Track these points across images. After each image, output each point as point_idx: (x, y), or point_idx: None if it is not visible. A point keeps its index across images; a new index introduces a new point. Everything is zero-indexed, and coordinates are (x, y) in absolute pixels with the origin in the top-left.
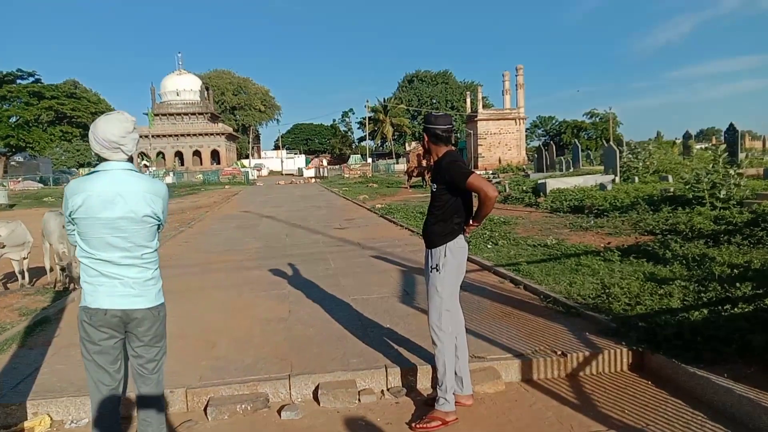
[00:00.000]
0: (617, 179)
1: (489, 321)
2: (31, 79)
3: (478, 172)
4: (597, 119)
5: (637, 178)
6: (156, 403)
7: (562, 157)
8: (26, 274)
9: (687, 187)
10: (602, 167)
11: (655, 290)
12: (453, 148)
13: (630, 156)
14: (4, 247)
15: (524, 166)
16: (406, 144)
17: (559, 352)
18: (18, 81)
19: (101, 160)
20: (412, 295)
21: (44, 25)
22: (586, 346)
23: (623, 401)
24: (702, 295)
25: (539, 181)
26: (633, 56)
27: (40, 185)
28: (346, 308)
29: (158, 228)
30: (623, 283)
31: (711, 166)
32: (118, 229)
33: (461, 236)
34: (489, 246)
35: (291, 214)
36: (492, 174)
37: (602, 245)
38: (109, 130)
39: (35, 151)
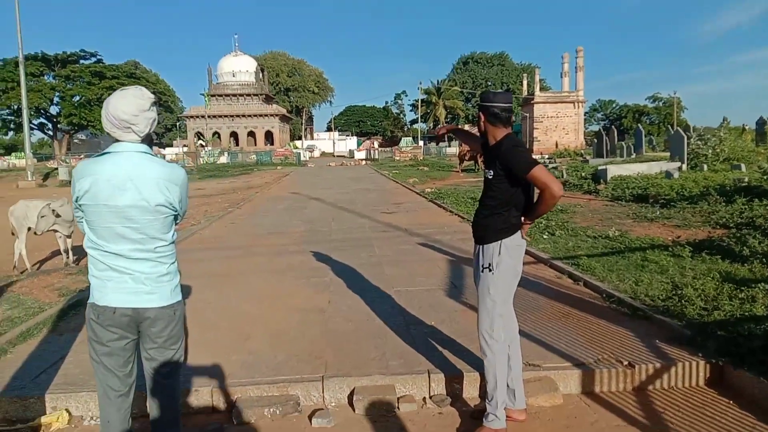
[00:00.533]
0: (684, 167)
1: (545, 322)
2: (94, 59)
3: (534, 157)
4: (660, 104)
5: (706, 166)
6: (169, 413)
7: (623, 143)
8: (71, 253)
9: (765, 177)
10: (667, 154)
11: (734, 293)
12: (512, 131)
13: (698, 142)
14: (59, 217)
15: (582, 151)
16: (460, 127)
17: (626, 363)
18: (81, 61)
19: (114, 140)
20: (460, 288)
21: (107, 7)
22: (657, 356)
23: (700, 423)
24: None
25: (599, 168)
26: (698, 39)
27: None
28: (389, 301)
29: (175, 219)
30: (697, 283)
31: None
32: (128, 219)
33: (519, 232)
34: (545, 236)
35: (339, 197)
36: (548, 159)
37: (670, 239)
38: (121, 107)
39: (96, 129)
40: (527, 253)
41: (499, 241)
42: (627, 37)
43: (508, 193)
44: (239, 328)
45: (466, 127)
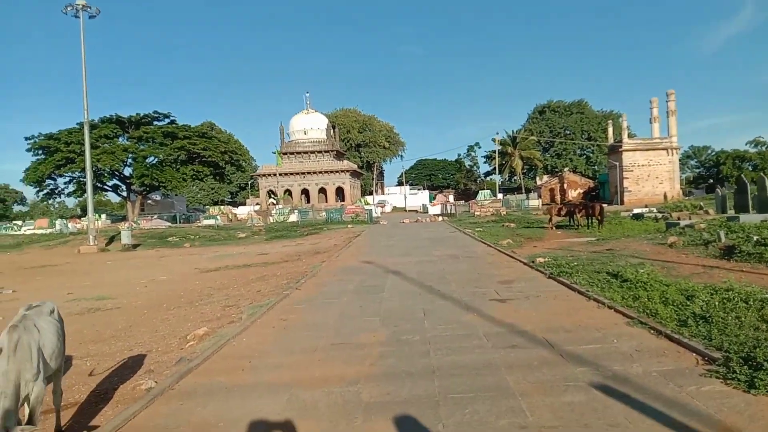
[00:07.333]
0: None
1: None
2: (167, 120)
3: (638, 210)
4: (764, 148)
5: None
6: None
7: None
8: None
9: None
10: None
11: None
12: None
13: None
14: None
15: (702, 204)
16: (537, 178)
17: None
18: (154, 123)
19: None
20: None
21: (184, 71)
22: None
23: None
24: None
25: None
26: None
27: (168, 224)
28: None
29: None
30: None
31: None
32: None
33: None
34: None
35: (423, 268)
36: (659, 212)
37: None
38: None
39: (167, 190)
40: None
41: None
42: (715, 80)
43: None
44: None
45: (545, 178)
